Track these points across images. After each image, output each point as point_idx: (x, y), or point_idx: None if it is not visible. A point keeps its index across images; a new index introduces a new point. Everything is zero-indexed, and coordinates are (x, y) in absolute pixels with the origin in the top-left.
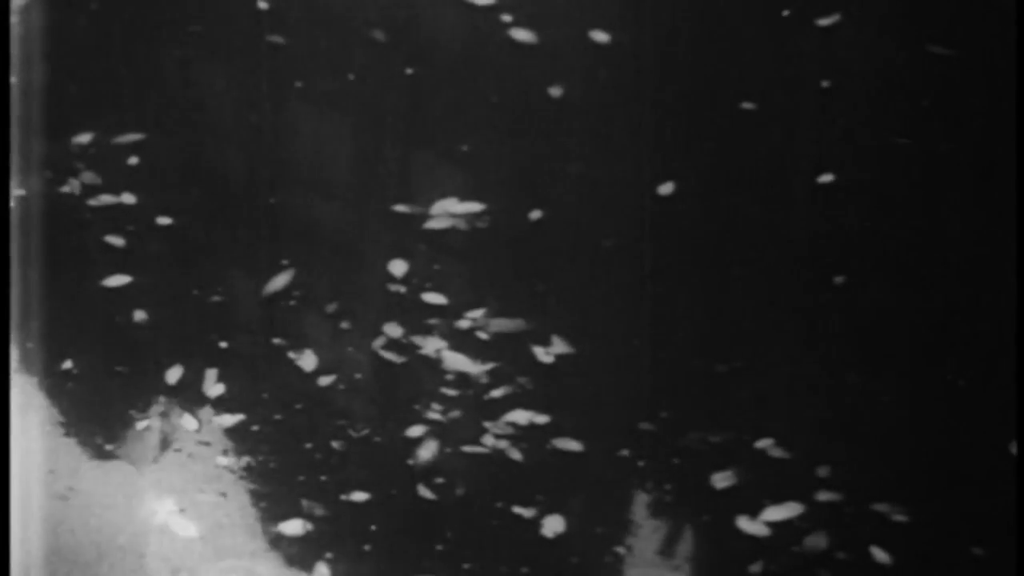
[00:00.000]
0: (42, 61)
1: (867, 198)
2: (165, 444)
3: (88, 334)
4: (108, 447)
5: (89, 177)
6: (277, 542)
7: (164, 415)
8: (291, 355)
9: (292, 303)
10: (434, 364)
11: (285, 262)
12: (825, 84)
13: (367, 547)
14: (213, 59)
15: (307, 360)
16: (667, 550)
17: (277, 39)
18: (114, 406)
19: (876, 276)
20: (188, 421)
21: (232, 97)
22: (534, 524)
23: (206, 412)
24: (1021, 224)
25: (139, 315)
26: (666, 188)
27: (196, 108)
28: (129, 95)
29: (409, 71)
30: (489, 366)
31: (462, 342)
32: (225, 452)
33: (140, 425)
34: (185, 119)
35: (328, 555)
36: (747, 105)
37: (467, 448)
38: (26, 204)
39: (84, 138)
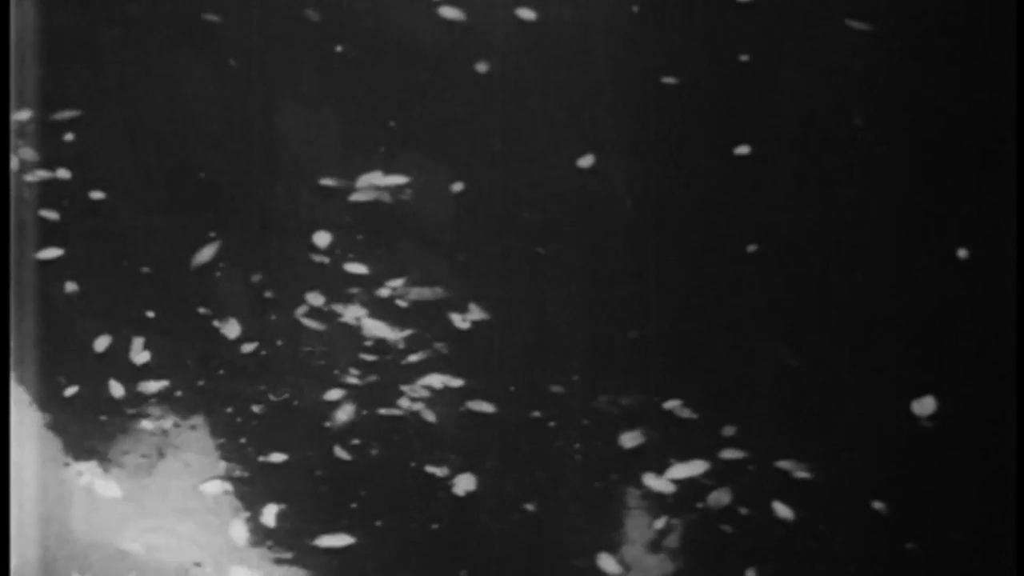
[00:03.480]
0: None
1: (782, 169)
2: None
3: (24, 305)
4: (41, 415)
5: (27, 153)
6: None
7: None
8: (215, 323)
9: (218, 274)
10: (354, 331)
11: (212, 235)
12: (744, 58)
13: (283, 506)
14: (150, 37)
15: (231, 328)
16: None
17: (213, 17)
18: (46, 375)
19: (788, 245)
20: (114, 387)
21: (166, 75)
22: (446, 483)
23: (132, 378)
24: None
25: (70, 287)
26: (586, 161)
27: (130, 86)
28: (65, 73)
29: (339, 48)
30: (407, 332)
31: (382, 310)
32: (149, 416)
33: (68, 392)
34: (119, 97)
35: (246, 514)
36: (668, 79)
37: (383, 410)
38: None
39: (23, 115)
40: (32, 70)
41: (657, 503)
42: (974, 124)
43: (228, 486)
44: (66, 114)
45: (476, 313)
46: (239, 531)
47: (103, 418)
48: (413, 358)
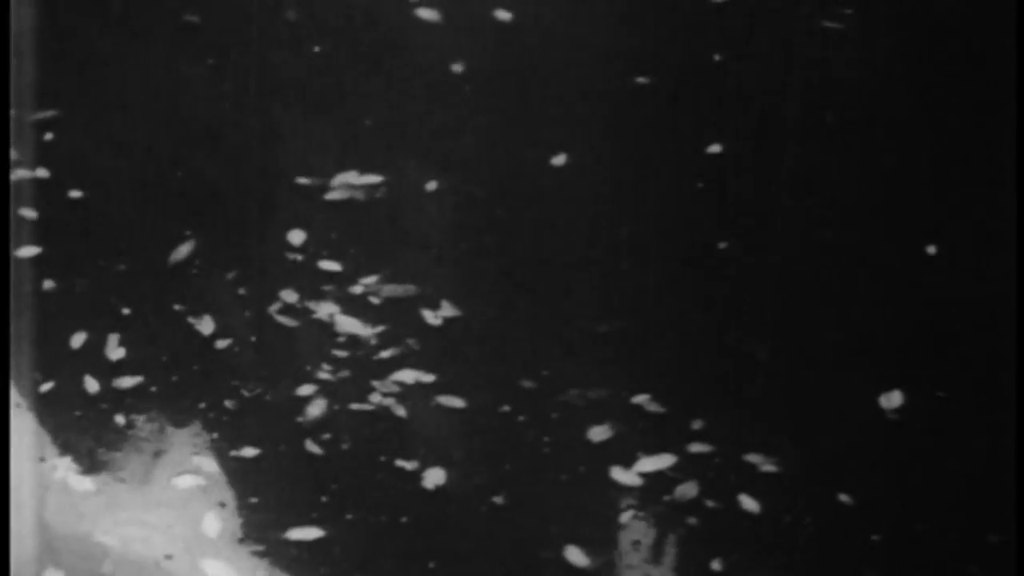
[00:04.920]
0: None
1: (753, 167)
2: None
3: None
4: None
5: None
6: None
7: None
8: (190, 320)
9: (194, 272)
10: (327, 327)
11: (188, 233)
12: (717, 58)
13: (255, 499)
14: (130, 37)
15: (205, 325)
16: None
17: (193, 18)
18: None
19: (758, 242)
20: (89, 383)
21: (145, 75)
22: (415, 476)
23: (107, 374)
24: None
25: (47, 284)
26: (559, 159)
27: (109, 86)
28: (46, 73)
29: (316, 49)
30: (379, 329)
31: (355, 307)
32: (123, 411)
33: (44, 388)
34: (99, 97)
35: (219, 504)
36: (641, 79)
37: (354, 406)
38: None
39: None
40: (13, 69)
41: (625, 496)
42: (945, 120)
43: (201, 480)
44: (46, 114)
45: (448, 309)
46: (212, 524)
47: (78, 413)
48: (385, 354)
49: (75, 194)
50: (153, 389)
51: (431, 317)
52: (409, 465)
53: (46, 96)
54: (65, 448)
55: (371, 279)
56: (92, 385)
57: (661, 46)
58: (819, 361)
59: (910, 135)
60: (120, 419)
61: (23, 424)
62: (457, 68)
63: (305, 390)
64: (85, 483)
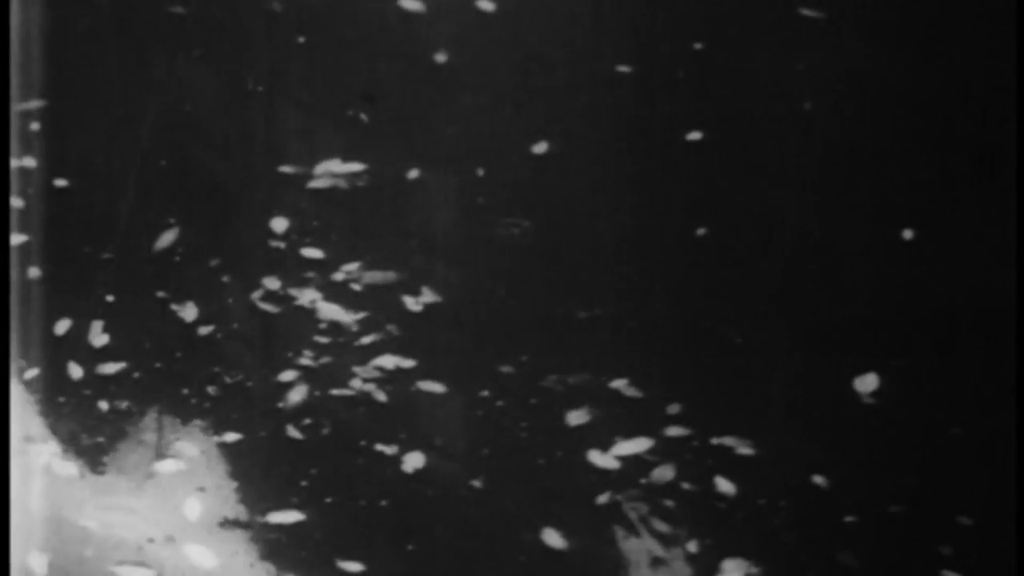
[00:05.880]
0: None
1: (732, 154)
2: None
3: None
4: None
5: None
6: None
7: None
8: (174, 307)
9: (177, 259)
10: (309, 314)
11: (172, 221)
12: (698, 46)
13: (236, 483)
14: (116, 29)
15: (188, 311)
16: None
17: (178, 9)
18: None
19: (736, 229)
20: (73, 369)
21: (131, 66)
22: (395, 460)
23: (91, 360)
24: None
25: (33, 272)
26: (540, 147)
27: (95, 77)
28: (33, 64)
29: (301, 39)
30: (361, 315)
31: (336, 293)
32: (106, 397)
33: (28, 375)
34: (84, 87)
35: (200, 488)
36: (623, 68)
37: (335, 391)
38: None
39: None
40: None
41: (601, 478)
42: (924, 107)
43: (182, 465)
44: (33, 104)
45: (429, 296)
46: (193, 508)
47: (62, 399)
48: (366, 340)
49: (60, 183)
50: (136, 375)
51: (412, 303)
52: (389, 449)
53: (32, 87)
54: (49, 434)
55: (353, 266)
56: (76, 371)
57: (642, 35)
58: (794, 345)
59: (887, 123)
60: (103, 405)
61: (8, 411)
62: (440, 58)
63: (287, 376)
64: (68, 468)
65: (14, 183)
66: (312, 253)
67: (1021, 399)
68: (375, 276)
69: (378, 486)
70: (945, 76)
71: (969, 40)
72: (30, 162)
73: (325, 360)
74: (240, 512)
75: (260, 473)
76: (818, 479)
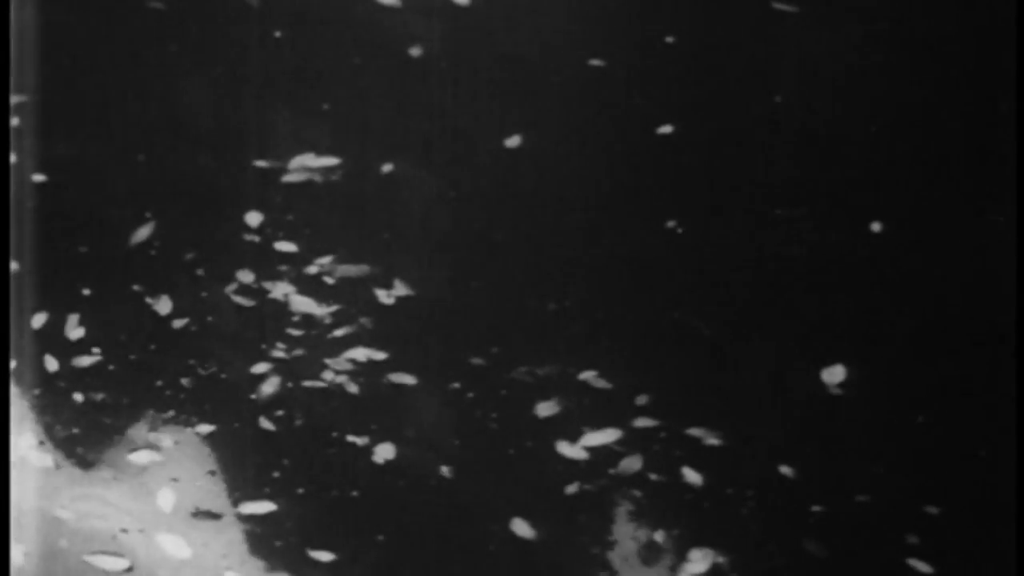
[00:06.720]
0: None
1: (702, 148)
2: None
3: None
4: None
5: None
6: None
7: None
8: (148, 300)
9: (152, 253)
10: (282, 307)
11: (148, 215)
12: (669, 40)
13: (209, 474)
14: (94, 24)
15: (163, 304)
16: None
17: (157, 4)
18: None
19: (705, 221)
20: (49, 362)
21: (108, 61)
22: (366, 451)
23: (66, 353)
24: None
25: (13, 266)
26: (513, 141)
27: (74, 73)
28: (12, 58)
29: (277, 34)
30: (333, 308)
31: (309, 286)
32: (81, 389)
33: (13, 364)
34: (62, 82)
35: (174, 479)
36: (594, 62)
37: (307, 383)
38: None
39: None
40: None
41: (569, 469)
42: (896, 98)
43: (156, 456)
44: (13, 100)
45: (400, 289)
46: (166, 499)
47: (37, 391)
48: (338, 332)
49: (37, 178)
50: (111, 368)
51: (384, 296)
52: (360, 440)
53: (15, 81)
54: (25, 425)
55: (326, 259)
56: (52, 364)
57: (615, 29)
58: (762, 337)
59: (858, 114)
60: (79, 397)
61: None
62: (415, 52)
63: (260, 368)
64: (43, 459)
65: None
66: (286, 247)
67: (988, 389)
68: (348, 269)
69: (350, 477)
70: (921, 69)
71: (944, 31)
72: (11, 158)
73: (298, 352)
74: (213, 503)
75: (233, 464)
76: (785, 469)
